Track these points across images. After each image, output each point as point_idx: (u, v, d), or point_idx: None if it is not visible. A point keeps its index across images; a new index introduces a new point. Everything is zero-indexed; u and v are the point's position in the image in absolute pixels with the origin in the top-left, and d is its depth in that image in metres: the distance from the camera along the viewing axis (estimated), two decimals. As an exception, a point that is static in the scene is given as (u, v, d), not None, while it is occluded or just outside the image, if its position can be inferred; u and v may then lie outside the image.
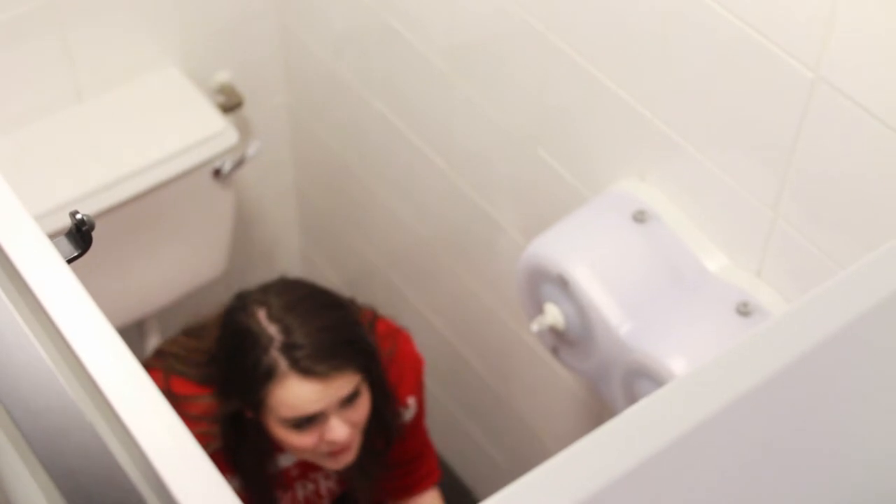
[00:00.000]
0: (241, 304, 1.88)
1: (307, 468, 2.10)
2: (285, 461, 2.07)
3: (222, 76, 2.37)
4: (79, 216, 0.95)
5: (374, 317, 2.05)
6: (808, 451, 0.97)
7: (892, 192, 1.41)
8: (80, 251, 0.95)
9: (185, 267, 2.41)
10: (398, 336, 2.08)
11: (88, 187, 2.12)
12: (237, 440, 1.94)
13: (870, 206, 1.45)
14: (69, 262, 0.89)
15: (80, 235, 0.95)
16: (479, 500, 2.13)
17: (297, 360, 1.81)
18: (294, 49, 2.40)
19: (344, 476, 2.12)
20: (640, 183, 1.76)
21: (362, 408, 1.89)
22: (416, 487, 2.21)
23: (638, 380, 1.69)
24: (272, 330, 1.82)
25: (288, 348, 1.81)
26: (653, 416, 0.82)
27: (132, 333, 2.50)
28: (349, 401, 1.86)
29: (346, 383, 1.84)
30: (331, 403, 1.84)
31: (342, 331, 1.87)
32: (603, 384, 1.79)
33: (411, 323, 2.50)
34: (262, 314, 1.84)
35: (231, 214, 2.39)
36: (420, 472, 2.20)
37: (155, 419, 0.74)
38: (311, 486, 2.14)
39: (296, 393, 1.82)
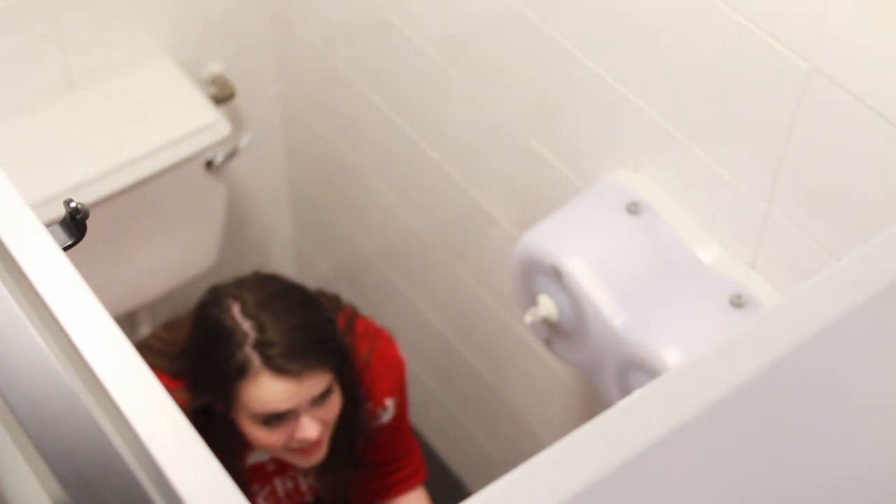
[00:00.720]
0: (215, 298, 1.86)
1: (285, 465, 2.08)
2: (260, 456, 2.05)
3: (215, 67, 2.36)
4: (73, 204, 0.95)
5: (354, 315, 2.03)
6: (804, 442, 0.97)
7: (887, 182, 1.41)
8: (74, 239, 0.95)
9: (177, 259, 2.40)
10: (378, 336, 2.06)
11: (80, 178, 2.11)
12: (204, 434, 1.91)
13: (864, 197, 1.45)
14: (63, 250, 0.89)
15: (74, 224, 0.95)
16: (471, 494, 2.12)
17: (270, 357, 1.79)
18: (287, 40, 2.39)
19: (315, 473, 2.11)
20: (633, 174, 1.76)
21: (333, 406, 1.88)
22: (401, 486, 2.19)
23: (632, 371, 1.69)
24: (246, 326, 1.80)
25: (262, 345, 1.79)
26: (646, 408, 0.82)
27: (123, 325, 2.49)
28: (321, 399, 1.85)
29: (318, 382, 1.82)
30: (302, 402, 1.82)
31: (316, 329, 1.85)
32: (597, 376, 1.79)
33: (404, 315, 2.50)
34: (236, 309, 1.82)
35: (223, 206, 2.39)
36: (404, 471, 2.19)
37: (150, 404, 0.74)
38: (290, 484, 2.13)
39: (268, 391, 1.80)
